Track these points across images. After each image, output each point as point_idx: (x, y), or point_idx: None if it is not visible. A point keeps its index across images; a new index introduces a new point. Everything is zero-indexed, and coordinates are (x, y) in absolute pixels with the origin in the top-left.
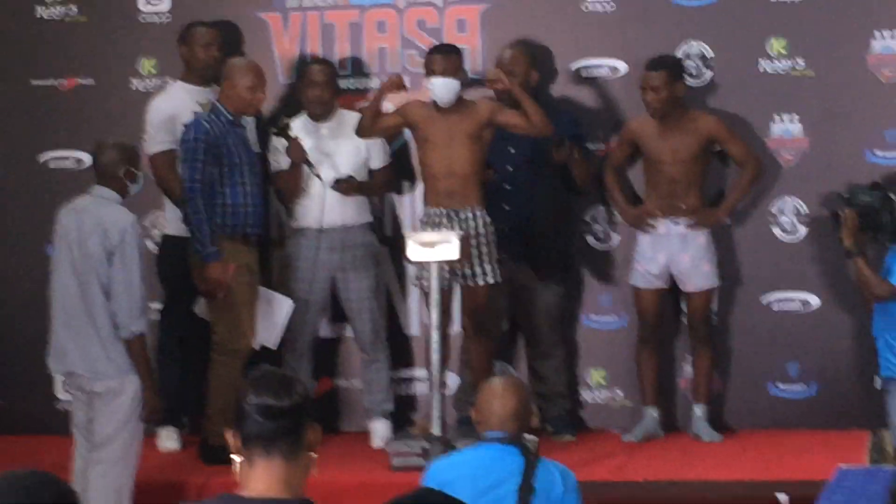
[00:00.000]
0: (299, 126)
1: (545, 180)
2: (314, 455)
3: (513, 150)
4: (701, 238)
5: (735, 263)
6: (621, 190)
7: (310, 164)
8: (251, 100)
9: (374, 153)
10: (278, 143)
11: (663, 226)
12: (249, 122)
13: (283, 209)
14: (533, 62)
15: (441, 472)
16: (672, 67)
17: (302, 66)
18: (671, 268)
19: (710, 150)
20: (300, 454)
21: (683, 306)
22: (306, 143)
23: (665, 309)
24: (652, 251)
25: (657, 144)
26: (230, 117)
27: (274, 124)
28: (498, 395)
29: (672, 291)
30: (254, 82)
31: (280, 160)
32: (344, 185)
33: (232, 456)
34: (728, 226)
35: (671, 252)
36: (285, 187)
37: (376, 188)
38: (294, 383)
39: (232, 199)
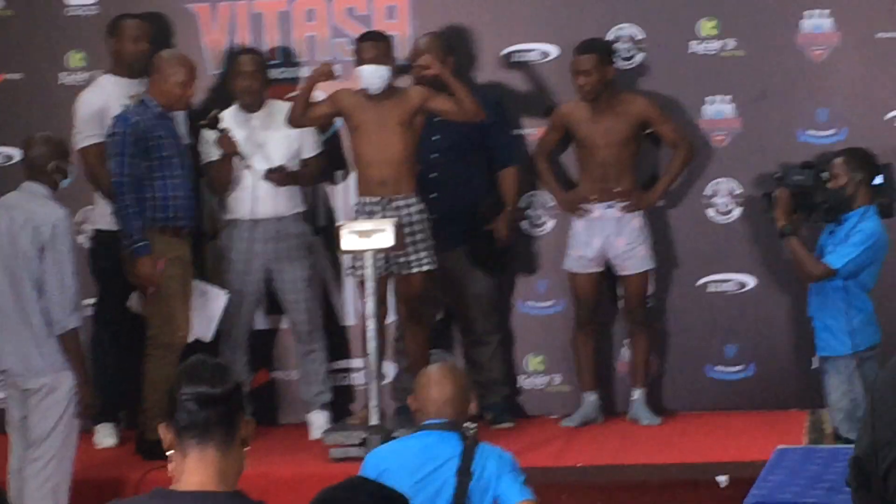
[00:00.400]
0: (230, 117)
1: (473, 167)
2: (247, 448)
3: (438, 138)
4: (636, 221)
5: (671, 246)
6: (554, 175)
7: (241, 156)
8: (181, 95)
9: (306, 142)
10: (208, 134)
11: (598, 210)
12: (179, 114)
13: (216, 201)
14: (449, 48)
15: (379, 461)
16: (602, 51)
17: (231, 56)
18: (606, 252)
19: (641, 133)
20: (234, 446)
21: (620, 290)
22: (237, 134)
23: (601, 293)
24: (587, 236)
25: (589, 128)
26: (159, 109)
27: (203, 116)
28: (435, 382)
29: (608, 275)
30: (185, 77)
31: (210, 152)
32: (275, 175)
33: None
34: (663, 208)
35: (606, 236)
36: (216, 179)
37: (308, 177)
38: (226, 371)
39: (162, 192)
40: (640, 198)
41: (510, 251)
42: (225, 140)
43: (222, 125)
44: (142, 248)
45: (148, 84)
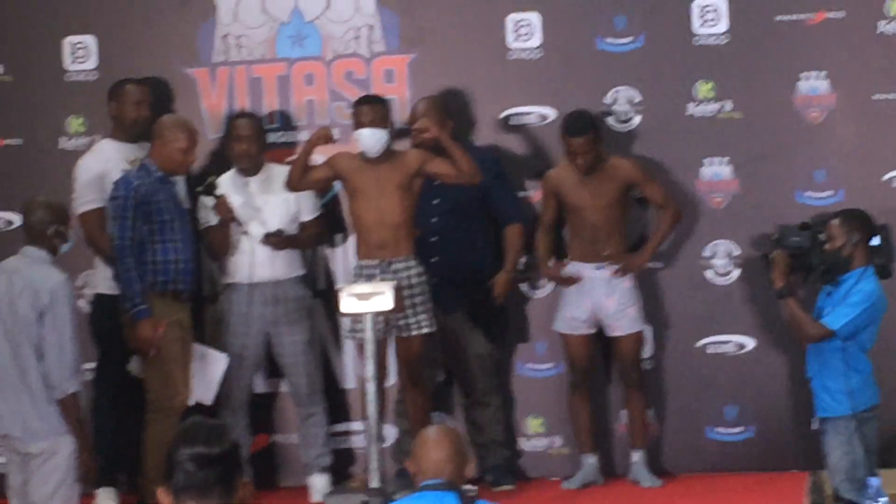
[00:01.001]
0: (228, 181)
1: (474, 229)
2: None
3: (438, 202)
4: (626, 282)
5: (669, 307)
6: (549, 250)
7: (237, 222)
8: (183, 160)
9: (304, 206)
10: (206, 200)
11: (587, 271)
12: (179, 178)
13: (215, 265)
14: (447, 112)
15: None
16: (593, 128)
17: (228, 120)
18: (597, 313)
19: (630, 195)
20: None
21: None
22: (235, 199)
23: (594, 355)
24: (577, 297)
25: (577, 193)
26: (160, 174)
27: (201, 182)
28: (432, 443)
29: (601, 337)
30: (187, 143)
31: (209, 217)
32: (273, 240)
33: None
34: (661, 269)
35: (596, 297)
36: (214, 244)
37: (307, 241)
38: (223, 431)
39: (162, 256)
40: (629, 261)
41: (506, 311)
42: (222, 206)
43: (219, 191)
44: (142, 311)
45: (149, 149)
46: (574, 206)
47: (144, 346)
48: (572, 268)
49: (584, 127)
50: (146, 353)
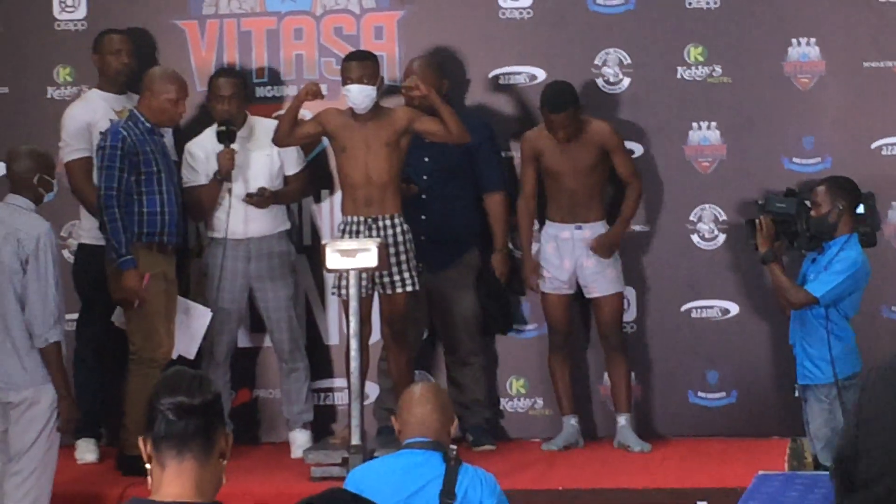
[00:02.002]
0: (211, 136)
1: (461, 189)
2: (225, 462)
3: (427, 160)
4: None
5: (654, 271)
6: (531, 221)
7: (229, 179)
8: (172, 112)
9: (288, 160)
10: (210, 146)
11: (567, 231)
12: (167, 130)
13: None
14: (442, 71)
15: (361, 480)
16: (573, 103)
17: (210, 79)
18: (576, 273)
19: (608, 159)
20: (212, 458)
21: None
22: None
23: (573, 316)
24: (557, 257)
25: (555, 157)
26: (148, 125)
27: (189, 136)
28: (417, 402)
29: (582, 299)
30: (177, 94)
31: (192, 176)
32: (256, 199)
33: (145, 464)
34: (648, 233)
35: (576, 257)
36: (203, 200)
37: (292, 195)
38: (205, 382)
39: (149, 207)
40: (602, 247)
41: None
42: (227, 157)
43: (235, 146)
44: (128, 261)
45: (137, 100)
46: (552, 170)
47: (129, 297)
48: (550, 229)
49: (564, 103)
50: (130, 304)
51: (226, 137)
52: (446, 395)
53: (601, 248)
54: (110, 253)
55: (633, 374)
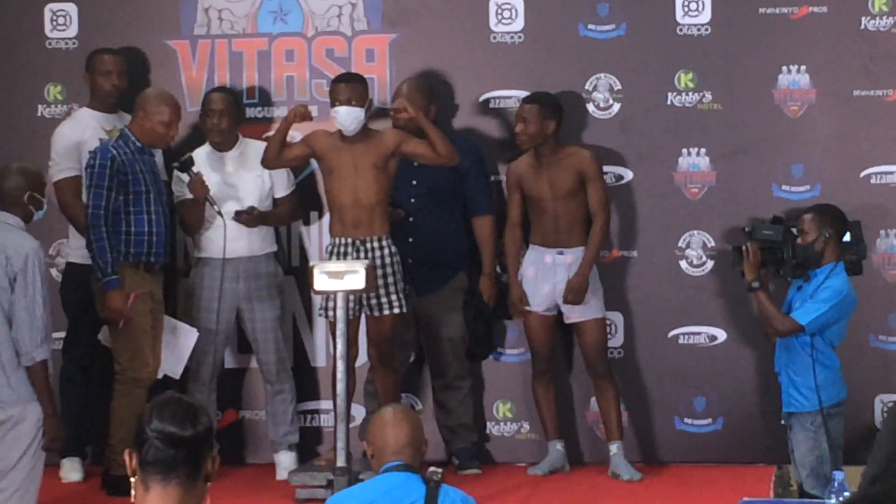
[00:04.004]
0: (203, 156)
1: (448, 212)
2: (209, 483)
3: (415, 183)
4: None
5: (642, 296)
6: (518, 250)
7: (211, 201)
8: (164, 134)
9: (278, 182)
10: (182, 176)
11: (549, 256)
12: (157, 150)
13: (190, 239)
14: (431, 94)
15: (343, 503)
16: (546, 104)
17: (204, 95)
18: (556, 298)
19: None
20: (197, 483)
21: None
22: (210, 175)
23: (556, 341)
24: (537, 281)
25: (537, 183)
26: (139, 145)
27: (178, 156)
28: (391, 425)
29: (565, 323)
30: (170, 117)
31: (183, 190)
32: (245, 217)
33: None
34: (636, 258)
35: (556, 282)
36: (189, 219)
37: (280, 217)
38: (199, 412)
39: (136, 227)
40: (577, 290)
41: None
42: (197, 184)
43: (195, 169)
44: (113, 281)
45: (127, 119)
46: (535, 196)
47: (114, 316)
48: (533, 253)
49: (535, 98)
50: (116, 324)
51: (183, 168)
52: (418, 417)
53: (572, 294)
54: (96, 272)
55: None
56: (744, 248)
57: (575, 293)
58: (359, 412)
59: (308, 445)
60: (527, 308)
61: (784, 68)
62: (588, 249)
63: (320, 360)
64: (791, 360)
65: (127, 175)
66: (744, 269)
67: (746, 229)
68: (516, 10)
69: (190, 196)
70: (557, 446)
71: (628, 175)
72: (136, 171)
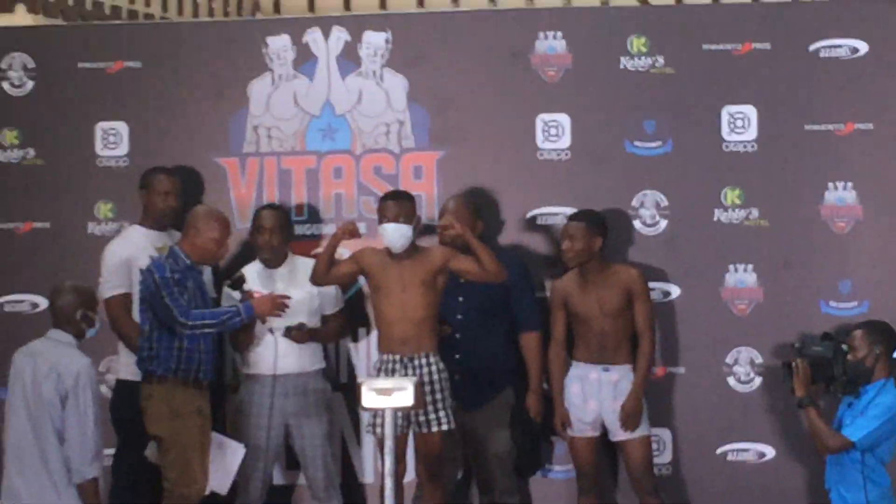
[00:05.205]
0: (253, 272)
1: (495, 327)
2: None
3: (462, 299)
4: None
5: (690, 413)
6: (563, 367)
7: (262, 320)
8: (215, 251)
9: (327, 299)
10: (234, 294)
11: (594, 373)
12: (206, 267)
13: (238, 355)
14: (477, 210)
15: None
16: (592, 221)
17: (255, 211)
18: (602, 415)
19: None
20: None
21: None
22: (260, 293)
23: (602, 459)
24: (582, 399)
25: (584, 301)
26: (188, 262)
27: (229, 273)
28: None
29: (610, 441)
30: (221, 234)
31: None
32: (295, 334)
33: None
34: (683, 375)
35: (602, 399)
36: (238, 336)
37: (329, 334)
38: None
39: (188, 344)
40: (632, 415)
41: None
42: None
43: (247, 286)
44: (247, 307)
45: (177, 236)
46: (581, 313)
47: (273, 309)
48: (578, 370)
49: (582, 215)
50: (278, 312)
51: (235, 286)
52: None
53: (629, 418)
54: (233, 323)
55: None
56: (794, 364)
57: (631, 416)
58: None
59: None
60: (569, 433)
61: (830, 185)
62: (638, 370)
63: (368, 476)
64: (842, 477)
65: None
66: (794, 386)
67: (796, 345)
68: (563, 128)
69: None
70: None
71: (676, 291)
72: (188, 287)
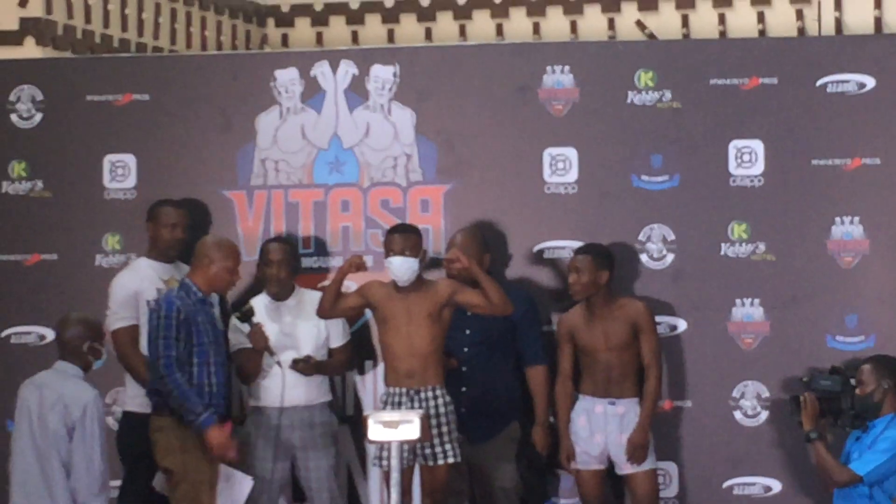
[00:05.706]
0: (260, 305)
1: (501, 361)
2: None
3: (468, 332)
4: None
5: (696, 446)
6: (569, 401)
7: (270, 351)
8: (228, 280)
9: (334, 332)
10: (241, 326)
11: (600, 406)
12: (214, 298)
13: (245, 387)
14: (485, 244)
15: None
16: (599, 255)
17: (262, 244)
18: (608, 449)
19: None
20: None
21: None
22: (268, 325)
23: (608, 493)
24: (589, 432)
25: (589, 335)
26: (200, 295)
27: (237, 306)
28: None
29: (616, 475)
30: (235, 263)
31: (241, 340)
32: (302, 366)
33: None
34: (690, 409)
35: (608, 433)
36: (246, 368)
37: (335, 367)
38: None
39: (198, 379)
40: (639, 448)
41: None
42: (257, 335)
43: (255, 320)
44: (208, 418)
45: (184, 268)
46: (587, 347)
47: (222, 452)
48: (584, 403)
49: (590, 248)
50: (227, 460)
51: (244, 319)
52: None
53: (636, 452)
54: (188, 416)
55: None
56: (801, 398)
57: (638, 450)
58: None
59: None
60: (575, 466)
61: (837, 219)
62: (645, 404)
63: None
64: None
65: (190, 326)
66: (801, 420)
67: (805, 379)
68: (570, 161)
69: (248, 345)
70: None
71: (682, 325)
72: (199, 321)
